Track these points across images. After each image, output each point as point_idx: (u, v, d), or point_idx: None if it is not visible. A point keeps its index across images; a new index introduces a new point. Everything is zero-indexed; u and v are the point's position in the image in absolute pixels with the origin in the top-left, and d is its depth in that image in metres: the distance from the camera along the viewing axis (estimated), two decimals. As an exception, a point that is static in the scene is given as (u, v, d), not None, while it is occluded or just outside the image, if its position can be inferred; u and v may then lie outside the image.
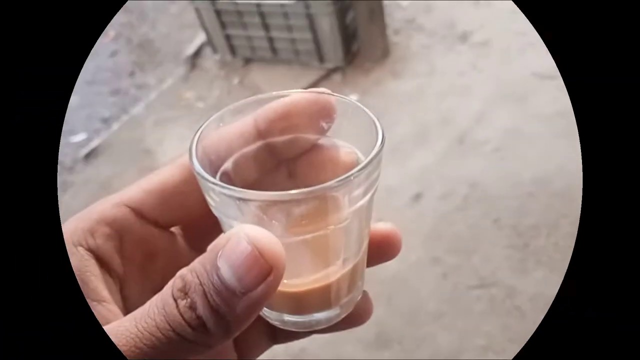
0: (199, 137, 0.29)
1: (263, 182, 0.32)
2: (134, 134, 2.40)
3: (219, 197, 0.26)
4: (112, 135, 2.42)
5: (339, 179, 0.25)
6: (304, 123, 0.31)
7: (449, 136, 2.06)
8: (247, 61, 2.53)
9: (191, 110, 2.43)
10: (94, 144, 2.38)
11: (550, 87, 2.15)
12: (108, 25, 3.08)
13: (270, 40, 2.36)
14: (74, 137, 2.47)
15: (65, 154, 2.40)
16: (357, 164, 0.30)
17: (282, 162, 0.33)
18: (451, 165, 1.96)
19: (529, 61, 2.27)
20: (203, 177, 0.26)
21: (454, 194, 1.86)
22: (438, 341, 1.52)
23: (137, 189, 0.31)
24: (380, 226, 0.34)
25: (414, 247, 1.74)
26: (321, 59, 2.38)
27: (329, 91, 0.32)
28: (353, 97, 2.35)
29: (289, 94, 0.31)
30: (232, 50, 2.48)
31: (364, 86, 2.36)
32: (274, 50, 2.41)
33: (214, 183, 0.25)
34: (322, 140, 0.32)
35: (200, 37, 2.64)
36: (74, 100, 2.68)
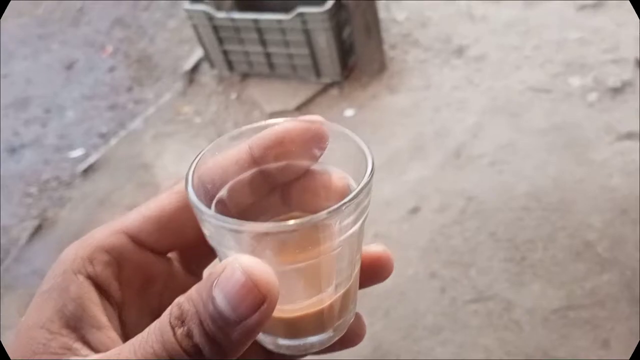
0: (195, 166, 0.30)
1: (258, 207, 0.33)
2: (131, 148, 2.41)
3: (213, 227, 0.27)
4: (110, 151, 2.43)
5: (330, 209, 0.25)
6: (297, 150, 0.32)
7: (445, 150, 2.07)
8: (245, 76, 2.54)
9: (189, 125, 2.44)
10: (92, 159, 2.39)
11: (545, 100, 2.17)
12: (106, 40, 3.10)
13: (268, 55, 2.38)
14: (72, 152, 2.48)
15: (63, 169, 2.41)
16: (349, 189, 0.31)
17: (277, 188, 0.34)
18: (448, 178, 1.97)
19: (524, 75, 2.30)
20: (198, 208, 0.27)
21: (450, 208, 1.87)
22: (436, 355, 1.52)
23: (135, 215, 0.32)
24: (373, 248, 0.35)
25: (411, 261, 1.75)
26: (318, 73, 2.40)
27: (321, 119, 0.33)
28: (350, 111, 2.37)
29: (283, 122, 0.32)
30: (230, 65, 2.51)
31: (361, 100, 2.37)
32: (271, 65, 2.43)
33: (208, 215, 0.26)
34: (315, 167, 0.33)
35: (198, 53, 2.66)
36: (71, 115, 2.70)
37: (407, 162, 2.06)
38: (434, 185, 1.96)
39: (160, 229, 0.32)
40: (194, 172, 0.29)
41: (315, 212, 0.26)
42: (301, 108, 2.39)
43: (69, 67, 2.99)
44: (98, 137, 2.54)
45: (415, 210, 1.89)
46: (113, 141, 2.47)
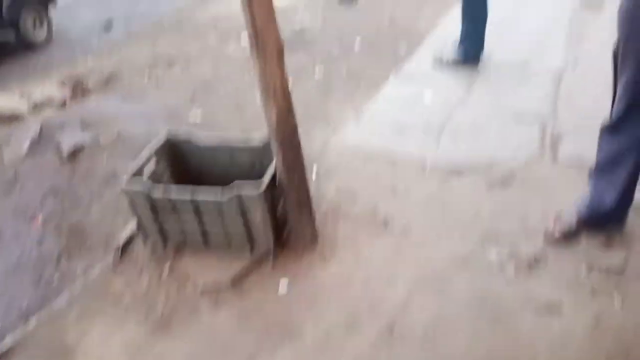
0: None
1: None
2: (53, 329, 2.28)
3: None
4: (29, 332, 2.28)
5: None
6: None
7: (379, 325, 2.10)
8: (179, 250, 2.56)
9: (118, 301, 2.37)
10: (7, 342, 2.22)
11: (467, 272, 2.30)
12: (38, 210, 3.07)
13: (204, 232, 2.43)
14: (-14, 335, 2.31)
15: (-28, 355, 2.22)
16: None
17: None
18: (383, 356, 1.98)
19: (445, 247, 2.45)
20: None
21: (387, 389, 1.86)
22: None
23: None
24: None
25: None
26: (252, 247, 2.45)
27: None
28: (284, 283, 2.39)
29: None
30: (164, 239, 2.52)
31: (294, 272, 2.42)
32: (206, 239, 2.47)
33: None
34: None
35: (132, 225, 2.67)
36: (-10, 291, 2.56)
37: (342, 339, 2.07)
38: (369, 365, 1.95)
39: None
40: None
41: None
42: (235, 281, 2.39)
43: (-6, 238, 2.90)
44: (17, 315, 2.39)
45: (352, 394, 1.86)
46: (33, 321, 2.33)
